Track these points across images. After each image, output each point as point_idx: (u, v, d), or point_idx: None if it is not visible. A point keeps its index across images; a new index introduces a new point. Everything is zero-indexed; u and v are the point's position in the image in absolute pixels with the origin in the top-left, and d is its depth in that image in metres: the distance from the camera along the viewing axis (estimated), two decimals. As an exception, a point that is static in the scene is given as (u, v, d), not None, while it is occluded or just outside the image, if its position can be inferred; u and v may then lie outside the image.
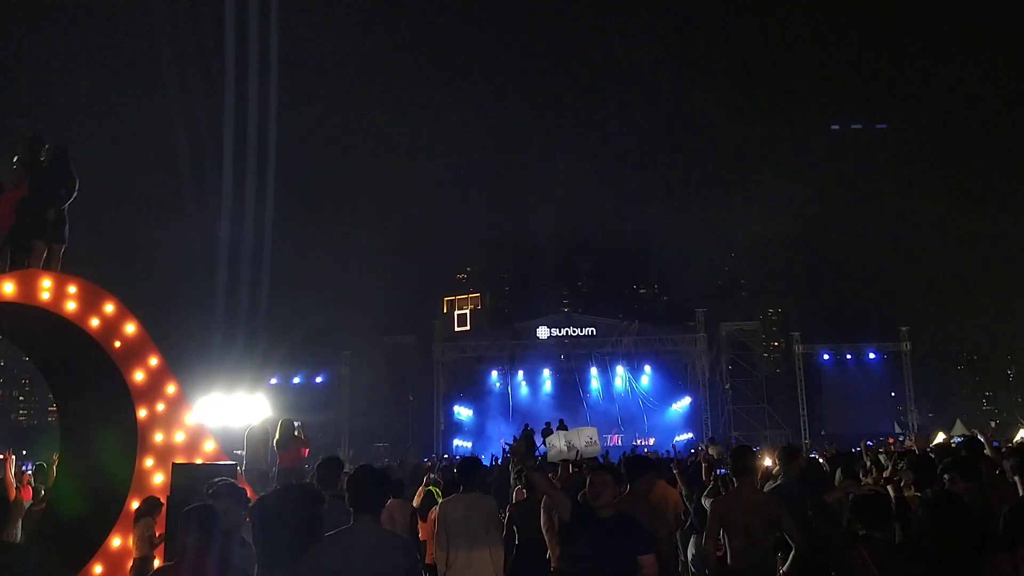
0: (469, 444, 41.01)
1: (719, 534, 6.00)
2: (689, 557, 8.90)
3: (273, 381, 31.67)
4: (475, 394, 43.89)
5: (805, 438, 35.81)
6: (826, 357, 39.47)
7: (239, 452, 11.41)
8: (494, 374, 43.48)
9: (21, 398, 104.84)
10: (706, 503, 7.40)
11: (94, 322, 8.39)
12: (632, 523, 5.21)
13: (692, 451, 22.65)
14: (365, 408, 41.34)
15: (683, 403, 41.41)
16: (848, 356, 39.22)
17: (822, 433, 36.81)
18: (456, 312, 53.72)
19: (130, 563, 7.77)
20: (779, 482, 7.03)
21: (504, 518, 7.54)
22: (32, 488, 11.32)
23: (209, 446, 9.09)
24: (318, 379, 41.41)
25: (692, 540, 8.81)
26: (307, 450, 11.09)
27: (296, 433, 10.74)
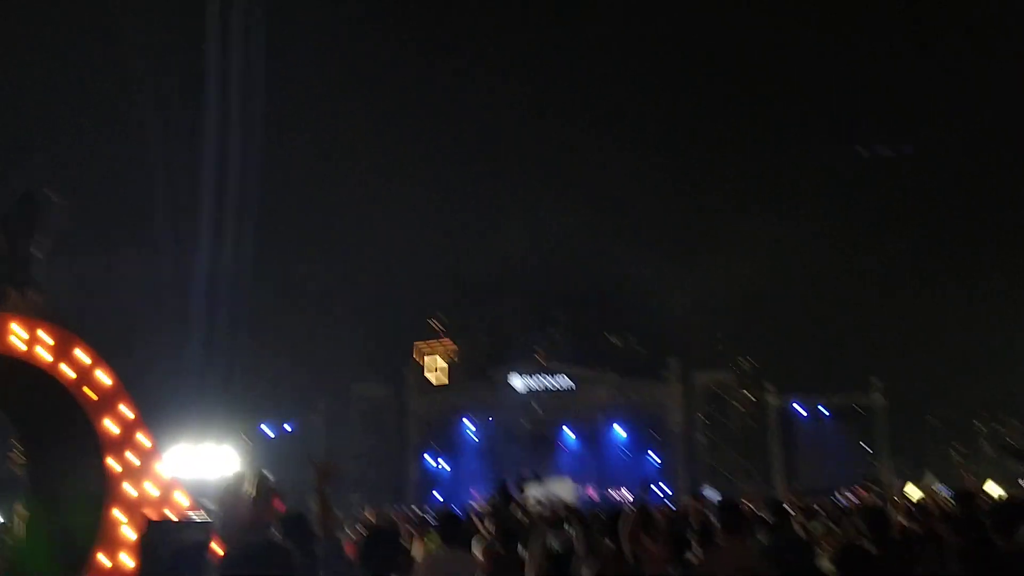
0: (441, 498, 40.54)
1: None
2: None
3: (250, 430, 31.23)
4: (450, 445, 43.54)
5: (777, 491, 35.79)
6: (799, 408, 39.68)
7: (204, 502, 11.17)
8: (469, 425, 43.22)
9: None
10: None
11: (67, 371, 8.23)
12: None
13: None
14: (338, 459, 40.80)
15: (658, 455, 41.33)
16: (822, 407, 39.47)
17: (791, 485, 36.81)
18: (428, 360, 53.52)
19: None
20: (768, 542, 6.89)
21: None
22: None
23: (181, 498, 8.89)
24: (288, 428, 40.89)
25: None
26: (281, 505, 10.87)
27: (270, 487, 10.53)
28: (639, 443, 42.02)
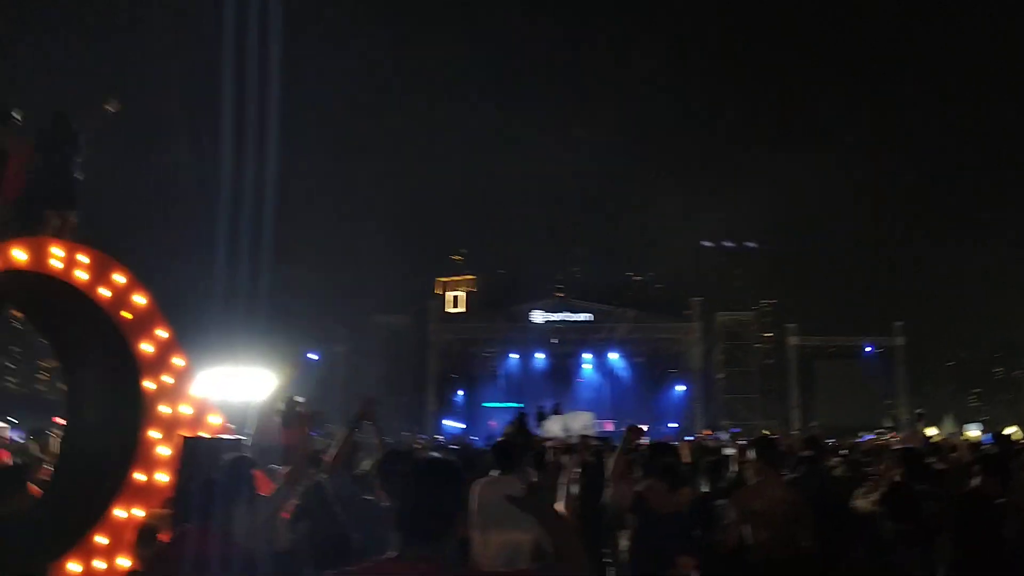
0: (463, 425, 41.13)
1: (740, 528, 5.96)
2: None
3: (282, 356, 31.51)
4: (468, 376, 44.00)
5: (794, 429, 36.02)
6: (819, 349, 39.66)
7: (231, 426, 11.41)
8: (487, 356, 43.58)
9: (12, 365, 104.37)
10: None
11: (104, 292, 8.35)
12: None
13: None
14: (359, 387, 41.36)
15: (675, 391, 41.59)
16: (841, 349, 39.45)
17: (811, 425, 37.01)
18: (450, 294, 53.78)
19: (131, 537, 7.77)
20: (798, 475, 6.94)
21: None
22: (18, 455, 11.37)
23: (214, 419, 9.09)
24: (313, 356, 41.38)
25: None
26: (310, 429, 11.10)
27: (299, 410, 10.73)
28: (657, 380, 42.30)
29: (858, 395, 38.16)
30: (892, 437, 17.50)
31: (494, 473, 7.45)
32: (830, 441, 14.03)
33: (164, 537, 7.36)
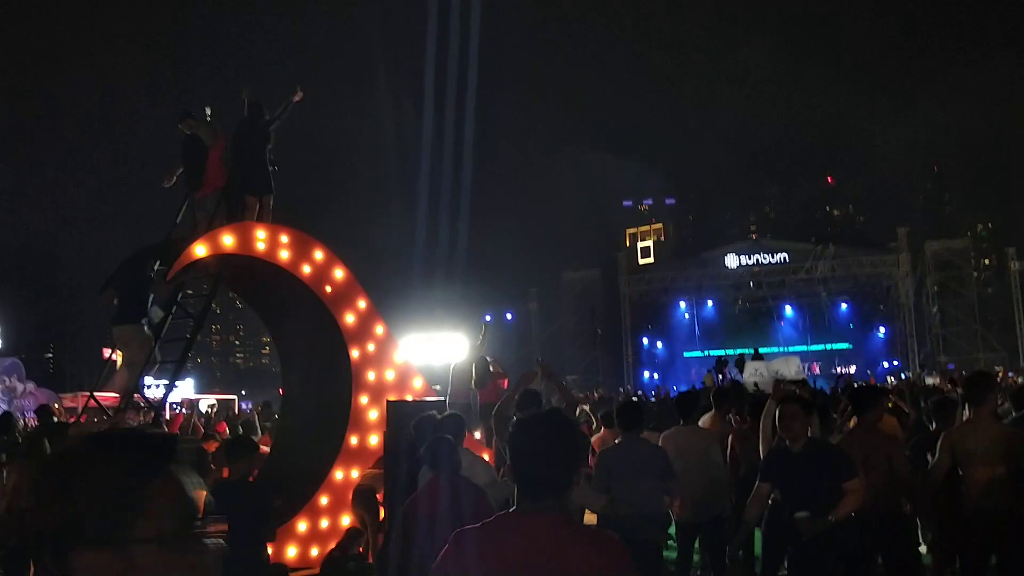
0: (657, 376, 40.89)
1: (948, 468, 5.58)
2: None
3: (488, 318, 32.54)
4: (663, 326, 43.60)
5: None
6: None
7: (437, 388, 11.79)
8: (682, 305, 42.95)
9: (237, 342, 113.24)
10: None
11: (306, 269, 8.81)
12: (830, 452, 5.10)
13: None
14: (554, 342, 41.96)
15: (885, 328, 39.43)
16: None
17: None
18: (639, 244, 53.23)
19: (350, 495, 8.21)
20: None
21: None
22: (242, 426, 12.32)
23: (417, 383, 9.43)
24: (508, 316, 42.31)
25: None
26: (506, 381, 11.30)
27: (491, 368, 10.92)
28: (865, 318, 40.20)
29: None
30: None
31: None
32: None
33: (379, 496, 7.80)
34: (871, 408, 5.88)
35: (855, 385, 9.07)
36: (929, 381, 15.99)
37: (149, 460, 1.30)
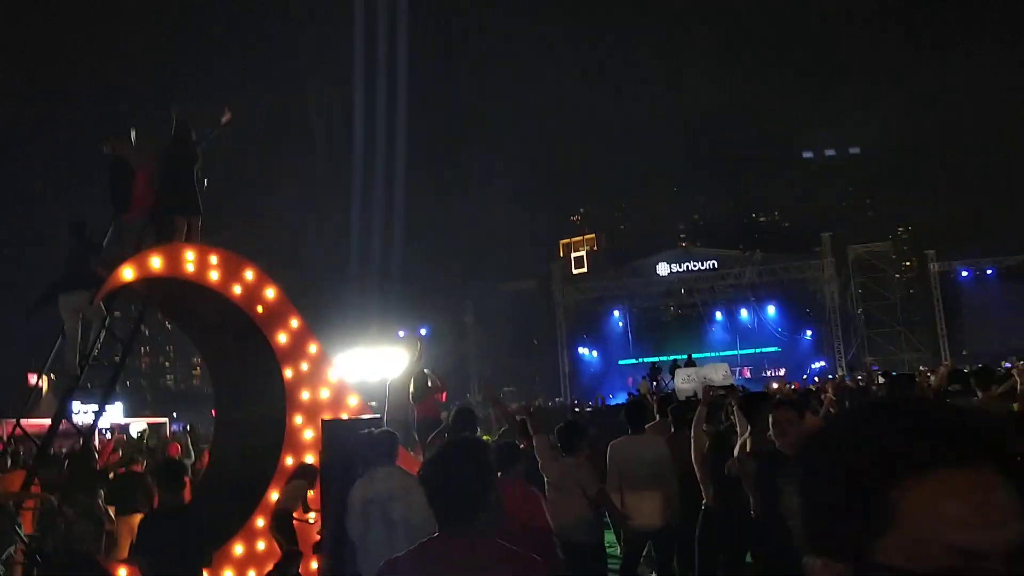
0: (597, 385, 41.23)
1: None
2: None
3: (401, 333, 32.47)
4: (598, 334, 44.02)
5: (945, 359, 34.45)
6: (964, 274, 37.63)
7: (373, 404, 11.78)
8: (616, 313, 43.44)
9: (167, 364, 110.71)
10: None
11: (236, 289, 8.76)
12: None
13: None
14: (490, 354, 42.07)
15: (812, 332, 40.48)
16: (989, 271, 37.26)
17: (963, 353, 35.30)
18: (573, 255, 53.68)
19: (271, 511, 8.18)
20: None
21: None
22: (181, 447, 12.19)
23: (352, 401, 9.43)
24: (444, 329, 42.19)
25: None
26: (444, 395, 11.36)
27: (429, 383, 10.98)
28: (793, 321, 41.20)
29: (1008, 319, 35.98)
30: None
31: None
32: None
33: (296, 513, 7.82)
34: (760, 413, 6.06)
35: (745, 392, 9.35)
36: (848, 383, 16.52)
37: None
